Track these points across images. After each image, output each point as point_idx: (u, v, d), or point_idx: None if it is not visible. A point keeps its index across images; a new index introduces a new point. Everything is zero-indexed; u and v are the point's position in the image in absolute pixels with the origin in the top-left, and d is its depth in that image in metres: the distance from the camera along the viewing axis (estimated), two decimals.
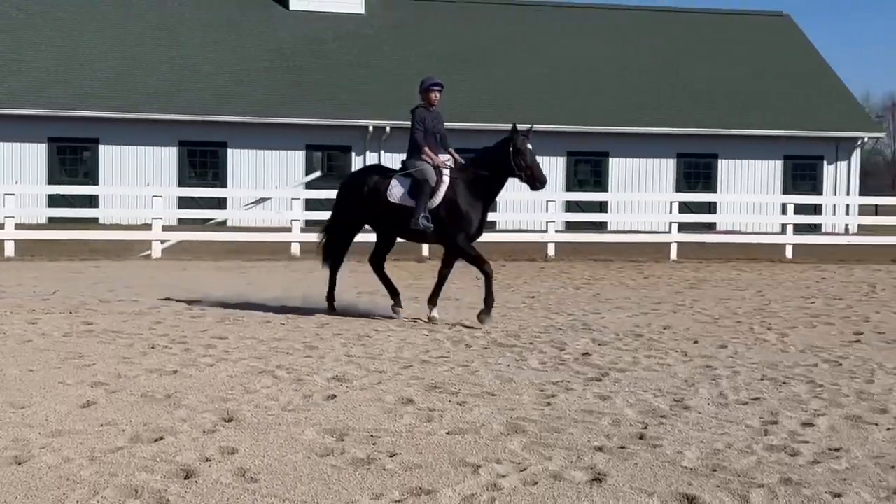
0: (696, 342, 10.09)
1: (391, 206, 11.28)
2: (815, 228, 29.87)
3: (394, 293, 11.79)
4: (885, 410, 6.94)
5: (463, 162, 11.38)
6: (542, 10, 39.81)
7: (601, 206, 29.96)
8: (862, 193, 38.25)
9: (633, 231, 28.14)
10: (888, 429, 6.39)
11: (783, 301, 14.09)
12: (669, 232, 23.32)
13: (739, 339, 10.32)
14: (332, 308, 11.95)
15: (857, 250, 23.73)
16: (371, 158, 33.13)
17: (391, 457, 5.58)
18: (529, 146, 11.01)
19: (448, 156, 11.37)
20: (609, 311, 12.54)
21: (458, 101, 33.92)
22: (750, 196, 32.47)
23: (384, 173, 11.72)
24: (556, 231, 23.25)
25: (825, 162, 35.60)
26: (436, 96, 11.40)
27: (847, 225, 31.93)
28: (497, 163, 11.11)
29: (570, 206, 28.03)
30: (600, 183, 34.25)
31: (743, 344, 10.03)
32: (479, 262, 11.13)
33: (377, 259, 12.00)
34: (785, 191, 34.23)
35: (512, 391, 7.50)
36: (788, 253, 22.91)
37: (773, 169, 35.29)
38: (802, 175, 35.44)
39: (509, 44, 36.75)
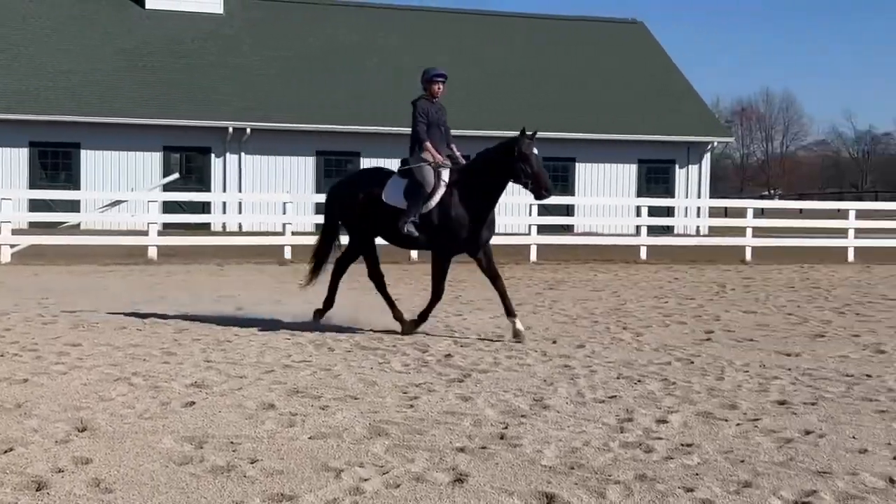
0: (554, 342, 10.27)
1: (385, 208, 10.52)
2: (667, 230, 30.78)
3: (328, 305, 11.08)
4: (734, 406, 7.19)
5: (464, 161, 10.68)
6: (397, 14, 39.94)
7: (568, 209, 30.14)
8: (712, 196, 39.58)
9: (499, 234, 28.41)
10: (738, 424, 6.62)
11: (638, 301, 14.47)
12: (529, 234, 23.70)
13: (596, 339, 10.55)
14: (319, 316, 11.08)
15: (708, 251, 24.55)
16: (231, 161, 32.70)
17: (252, 463, 5.50)
18: (535, 151, 10.16)
19: (450, 153, 10.65)
20: (471, 313, 12.65)
21: (316, 102, 33.81)
22: (606, 199, 33.28)
23: (383, 173, 10.99)
24: None
25: (677, 166, 36.74)
26: (439, 88, 10.68)
27: (698, 226, 33.04)
28: (498, 168, 10.25)
29: None
30: None
31: (600, 343, 10.25)
32: (436, 292, 10.58)
33: (376, 273, 11.07)
34: (639, 193, 35.18)
35: (375, 394, 7.49)
36: (643, 254, 23.52)
37: (628, 172, 36.22)
38: (656, 178, 36.50)
39: (365, 47, 36.75)
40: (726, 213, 46.24)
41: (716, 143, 38.15)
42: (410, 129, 10.65)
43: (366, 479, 5.22)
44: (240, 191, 32.28)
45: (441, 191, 10.33)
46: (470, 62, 37.30)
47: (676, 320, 12.32)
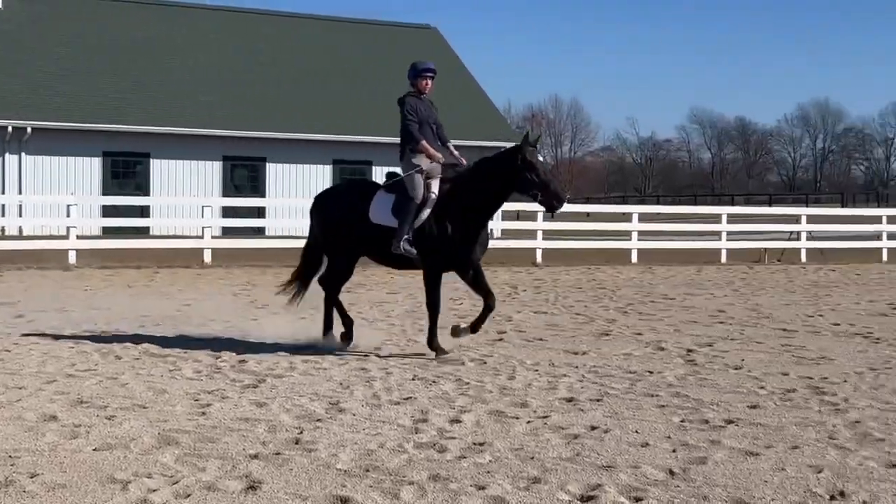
0: (351, 345, 10.26)
1: (372, 227, 9.62)
2: None
3: (346, 324, 10.11)
4: (525, 404, 7.37)
5: (463, 161, 9.80)
6: (189, 12, 39.11)
7: (259, 212, 29.84)
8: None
9: (291, 237, 28.17)
10: (528, 422, 6.79)
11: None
12: None
13: (392, 341, 10.61)
14: (348, 338, 10.04)
15: (501, 254, 25.09)
16: (11, 161, 31.17)
17: (32, 478, 5.23)
18: (541, 158, 9.35)
19: (447, 153, 9.83)
20: (266, 317, 12.48)
21: (103, 101, 32.64)
22: None
23: (368, 187, 10.17)
24: (213, 237, 22.86)
25: None
26: (427, 83, 9.85)
27: (492, 229, 33.72)
28: (500, 178, 9.32)
29: (227, 212, 27.68)
30: (258, 188, 34.11)
31: (396, 345, 10.31)
32: (432, 309, 9.60)
33: (334, 286, 10.17)
34: None
35: (165, 402, 7.28)
36: None
37: None
38: None
39: (155, 44, 35.81)
40: (518, 216, 47.40)
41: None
42: (400, 128, 9.85)
43: (154, 490, 5.06)
44: (20, 193, 30.75)
45: (432, 202, 9.48)
46: (265, 62, 36.90)
47: (471, 322, 12.51)
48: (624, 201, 72.70)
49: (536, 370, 8.93)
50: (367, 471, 5.50)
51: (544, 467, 5.60)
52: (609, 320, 12.77)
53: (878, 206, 62.13)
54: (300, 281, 10.57)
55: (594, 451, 5.97)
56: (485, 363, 9.29)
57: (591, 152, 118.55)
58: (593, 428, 6.61)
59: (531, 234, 25.76)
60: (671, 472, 5.53)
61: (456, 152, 9.88)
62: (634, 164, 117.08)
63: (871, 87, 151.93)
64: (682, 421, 6.85)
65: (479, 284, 9.82)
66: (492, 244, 28.12)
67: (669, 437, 6.37)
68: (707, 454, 5.91)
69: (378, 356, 9.58)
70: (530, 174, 9.13)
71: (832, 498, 5.08)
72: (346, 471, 5.50)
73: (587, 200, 74.96)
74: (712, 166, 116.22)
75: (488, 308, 9.68)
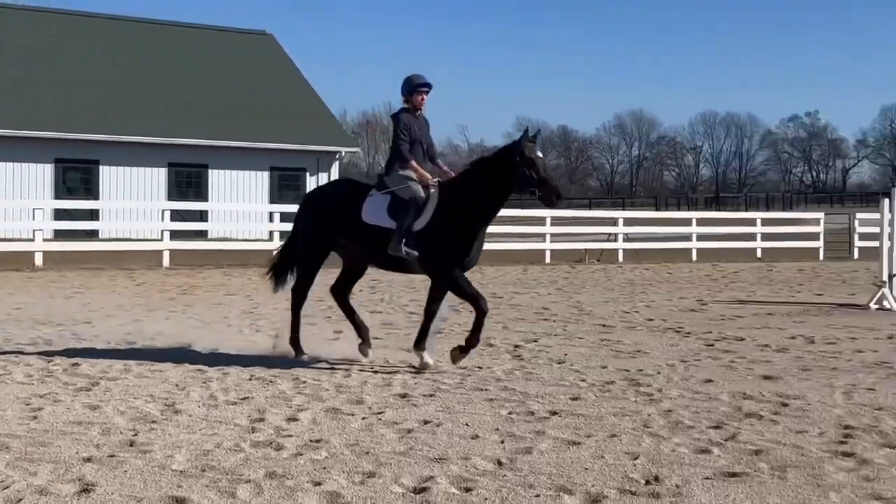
0: (190, 346, 10.02)
1: (365, 228, 9.01)
2: None
3: (361, 330, 9.58)
4: (360, 402, 7.36)
5: (452, 174, 9.15)
6: (23, 15, 37.47)
7: (92, 215, 28.83)
8: None
9: (125, 239, 27.35)
10: (363, 418, 6.77)
11: (271, 304, 14.43)
12: (162, 240, 23.01)
13: (230, 342, 10.41)
14: (300, 352, 9.42)
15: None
16: None
17: None
18: (540, 154, 8.73)
19: (435, 169, 9.23)
20: (100, 320, 12.07)
21: None
22: (240, 205, 32.99)
23: (359, 187, 9.49)
24: (45, 240, 21.95)
25: (308, 173, 37.15)
26: (422, 99, 9.13)
27: None
28: (499, 176, 8.70)
29: (60, 215, 26.63)
30: (91, 191, 32.93)
31: (233, 346, 10.12)
32: (474, 299, 8.77)
33: (342, 289, 9.69)
34: (272, 200, 35.19)
35: None
36: None
37: (261, 179, 36.15)
38: (288, 185, 36.69)
39: None
40: None
41: (344, 153, 38.94)
42: (391, 143, 9.25)
43: None
44: None
45: (433, 204, 8.85)
46: (101, 64, 35.69)
47: (307, 322, 12.37)
48: None
49: (372, 368, 8.92)
50: (204, 470, 5.38)
51: (379, 462, 5.60)
52: (441, 318, 12.84)
53: (689, 210, 64.95)
54: (277, 275, 10.02)
55: (427, 445, 6.01)
56: (322, 362, 9.22)
57: None
58: (426, 422, 6.65)
59: None
60: (499, 463, 5.62)
61: (446, 168, 9.32)
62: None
63: (682, 98, 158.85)
64: (509, 413, 6.97)
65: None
66: None
67: (498, 429, 6.46)
68: (533, 444, 6.03)
69: (216, 357, 9.38)
70: (529, 171, 8.56)
71: (647, 483, 5.26)
72: (181, 471, 5.36)
73: None
74: None
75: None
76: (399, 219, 8.78)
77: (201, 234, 29.55)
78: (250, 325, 11.93)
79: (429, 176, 8.97)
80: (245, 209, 31.69)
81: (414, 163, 8.96)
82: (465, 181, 8.88)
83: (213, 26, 43.47)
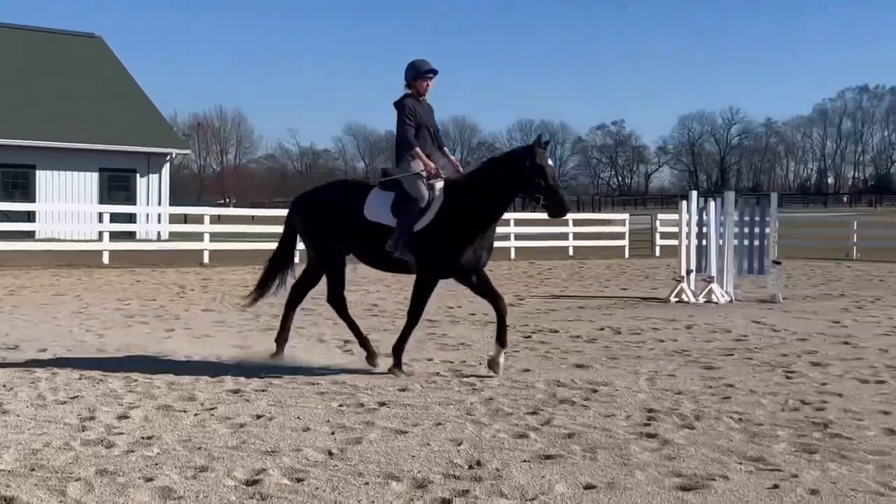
0: (17, 346, 9.55)
1: (367, 225, 8.38)
2: (130, 235, 30.04)
3: (283, 339, 9.05)
4: (192, 398, 7.17)
5: (461, 168, 8.63)
6: None
7: None
8: (172, 204, 39.25)
9: None
10: (195, 414, 6.62)
11: (101, 304, 13.94)
12: None
13: (59, 342, 9.97)
14: (280, 351, 8.94)
15: (169, 255, 24.35)
16: None
17: None
18: (550, 162, 8.12)
19: (443, 160, 8.54)
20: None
21: None
22: (68, 205, 31.65)
23: (360, 186, 8.80)
24: None
25: (138, 175, 36.01)
26: (428, 85, 8.50)
27: (159, 232, 32.62)
28: (507, 181, 8.07)
29: None
30: None
31: (63, 346, 9.70)
32: (415, 314, 8.48)
33: (338, 297, 8.92)
34: (101, 201, 33.95)
35: None
36: (105, 259, 22.74)
37: (90, 180, 34.80)
38: (118, 186, 35.48)
39: None
40: (186, 219, 46.14)
41: (174, 154, 37.93)
42: (396, 131, 8.53)
43: None
44: None
45: (437, 205, 8.25)
46: None
47: (139, 321, 12.05)
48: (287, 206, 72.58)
49: (204, 365, 8.72)
50: (33, 470, 5.15)
51: (211, 456, 5.48)
52: (274, 316, 12.69)
53: (507, 211, 66.20)
54: (263, 287, 9.40)
55: (259, 438, 5.93)
56: (153, 359, 8.95)
57: (255, 160, 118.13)
58: (258, 416, 6.56)
59: (199, 237, 25.18)
60: (330, 453, 5.60)
61: (452, 157, 8.75)
62: (296, 171, 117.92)
63: (500, 108, 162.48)
64: (340, 405, 6.95)
65: (484, 289, 8.49)
66: (159, 246, 27.09)
67: (329, 421, 6.44)
68: (362, 434, 6.04)
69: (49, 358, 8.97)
70: (538, 178, 7.96)
71: (470, 467, 5.34)
72: (9, 471, 5.11)
73: (252, 205, 74.20)
74: (366, 174, 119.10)
75: (501, 317, 8.29)
76: (401, 218, 8.26)
77: (29, 235, 28.22)
78: (80, 324, 11.47)
79: (432, 164, 8.33)
80: (74, 209, 30.42)
81: (418, 150, 8.33)
82: (472, 183, 8.28)
83: (40, 28, 41.49)
